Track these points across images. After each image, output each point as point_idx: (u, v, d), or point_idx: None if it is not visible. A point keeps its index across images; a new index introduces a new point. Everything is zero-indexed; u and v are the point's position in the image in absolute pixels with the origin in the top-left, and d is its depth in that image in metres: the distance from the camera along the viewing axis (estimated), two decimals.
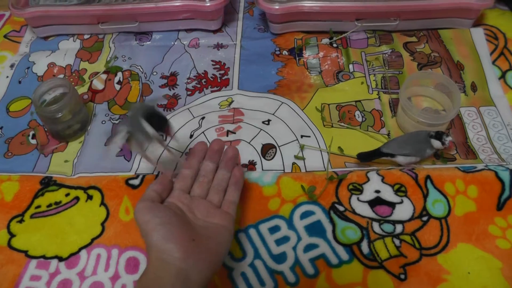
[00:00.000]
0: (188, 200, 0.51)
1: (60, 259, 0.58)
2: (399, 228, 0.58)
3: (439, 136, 0.61)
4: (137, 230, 0.58)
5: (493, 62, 0.77)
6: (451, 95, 0.67)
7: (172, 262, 0.42)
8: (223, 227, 0.49)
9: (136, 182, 0.64)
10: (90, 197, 0.63)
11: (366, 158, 0.64)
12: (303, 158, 0.66)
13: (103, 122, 0.73)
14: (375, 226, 0.58)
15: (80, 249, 0.59)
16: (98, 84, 0.79)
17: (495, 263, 0.55)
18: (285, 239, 0.58)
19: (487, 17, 0.83)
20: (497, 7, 0.85)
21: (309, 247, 0.57)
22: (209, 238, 0.46)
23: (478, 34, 0.80)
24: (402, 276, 0.54)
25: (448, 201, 0.59)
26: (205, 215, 0.50)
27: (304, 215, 0.59)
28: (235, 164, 0.56)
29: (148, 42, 0.85)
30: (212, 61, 0.81)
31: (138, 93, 0.77)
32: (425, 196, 0.60)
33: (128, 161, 0.68)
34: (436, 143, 0.61)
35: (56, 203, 0.63)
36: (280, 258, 0.56)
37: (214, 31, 0.85)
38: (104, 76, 0.80)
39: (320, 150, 0.67)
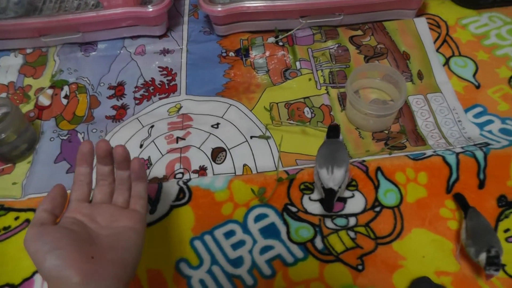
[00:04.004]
0: (88, 209, 0.46)
1: (12, 286, 0.56)
2: (352, 221, 0.59)
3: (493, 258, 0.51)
4: None
5: (437, 50, 0.78)
6: (398, 85, 0.68)
7: None
8: (131, 229, 0.45)
9: None
10: None
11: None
12: (267, 137, 0.68)
13: (52, 139, 0.71)
14: (328, 222, 0.59)
15: (33, 274, 0.57)
16: (44, 100, 0.77)
17: (447, 244, 0.57)
18: (241, 243, 0.57)
19: (429, 7, 0.85)
20: None
21: (265, 249, 0.57)
22: (113, 249, 0.42)
23: (421, 24, 0.82)
24: (360, 267, 0.55)
25: (399, 189, 0.61)
26: (109, 221, 0.46)
27: (258, 218, 0.59)
28: (129, 163, 0.49)
29: (93, 53, 0.83)
30: (159, 67, 0.80)
31: (86, 106, 0.75)
32: (376, 188, 0.61)
33: None
34: (482, 257, 0.52)
35: (4, 228, 0.60)
36: (237, 262, 0.56)
37: (160, 37, 0.84)
38: (50, 91, 0.78)
39: (271, 150, 0.67)
